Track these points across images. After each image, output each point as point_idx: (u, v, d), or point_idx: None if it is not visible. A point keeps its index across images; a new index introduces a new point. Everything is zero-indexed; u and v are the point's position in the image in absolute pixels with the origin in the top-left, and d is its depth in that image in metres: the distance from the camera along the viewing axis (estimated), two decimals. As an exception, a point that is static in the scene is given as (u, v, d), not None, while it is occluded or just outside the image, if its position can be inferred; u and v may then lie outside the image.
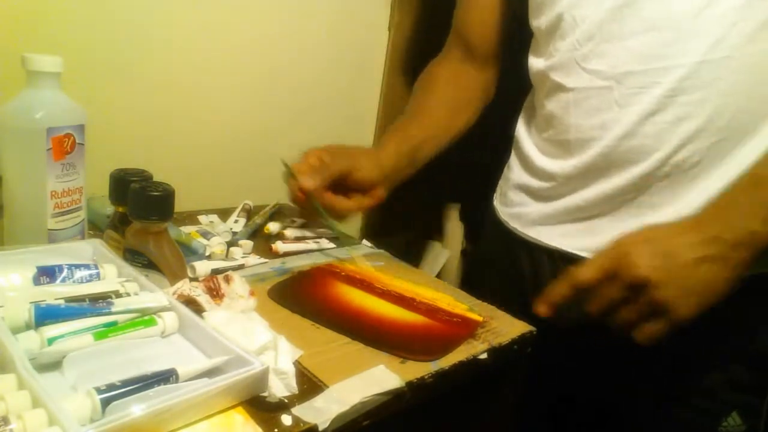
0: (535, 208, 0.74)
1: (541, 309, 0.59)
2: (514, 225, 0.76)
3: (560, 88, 0.67)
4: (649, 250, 0.54)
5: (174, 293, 0.54)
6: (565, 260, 0.70)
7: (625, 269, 0.54)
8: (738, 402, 0.65)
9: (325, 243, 0.81)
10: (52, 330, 0.44)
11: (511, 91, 0.83)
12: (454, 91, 0.85)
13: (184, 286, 0.55)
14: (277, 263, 0.73)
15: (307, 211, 0.74)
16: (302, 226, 0.87)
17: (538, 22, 0.70)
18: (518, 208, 0.76)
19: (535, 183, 0.74)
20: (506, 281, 0.78)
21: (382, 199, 0.76)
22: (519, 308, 0.66)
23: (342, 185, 0.73)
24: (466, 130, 0.86)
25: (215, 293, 0.56)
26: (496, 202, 0.83)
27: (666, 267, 0.53)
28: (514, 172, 0.78)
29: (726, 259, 0.52)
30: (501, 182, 0.83)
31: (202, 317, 0.51)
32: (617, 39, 0.61)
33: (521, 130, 0.78)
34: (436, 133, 0.83)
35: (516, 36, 0.78)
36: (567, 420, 0.79)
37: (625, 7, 0.60)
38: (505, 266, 0.79)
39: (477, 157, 1.00)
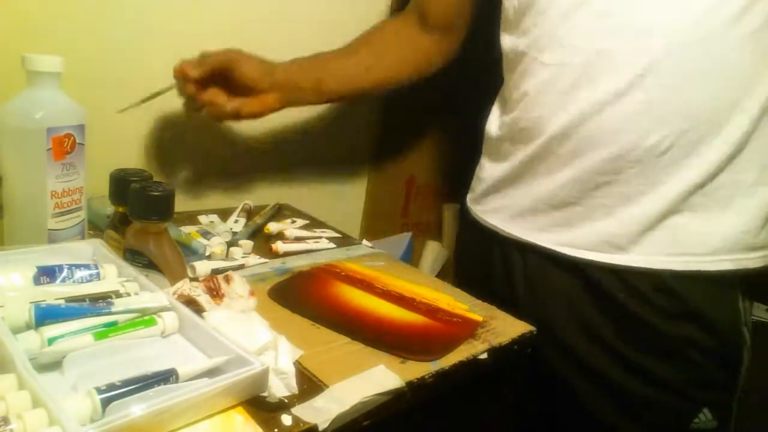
0: (508, 201, 0.73)
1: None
2: (490, 221, 0.76)
3: (537, 64, 0.66)
4: None
5: (174, 293, 0.54)
6: (535, 255, 0.70)
7: None
8: (707, 399, 0.65)
9: (325, 243, 0.81)
10: (52, 330, 0.44)
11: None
12: (394, 46, 0.85)
13: (184, 286, 0.55)
14: (277, 263, 0.73)
15: (188, 100, 0.76)
16: (302, 227, 0.87)
17: (514, 1, 0.69)
18: (491, 204, 0.76)
19: (502, 171, 0.73)
20: (482, 282, 0.77)
21: (270, 107, 0.77)
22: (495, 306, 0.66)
23: (230, 86, 0.75)
24: (387, 88, 0.87)
25: (215, 293, 0.56)
26: (469, 202, 0.82)
27: None
28: (485, 168, 0.78)
29: None
30: (473, 181, 0.83)
31: (202, 317, 0.51)
32: (597, 15, 0.60)
33: (492, 121, 0.77)
34: (350, 75, 0.83)
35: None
36: (566, 420, 0.79)
37: None
38: (479, 267, 0.79)
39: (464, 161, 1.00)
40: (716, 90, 0.58)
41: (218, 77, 0.75)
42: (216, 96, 0.75)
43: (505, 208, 0.74)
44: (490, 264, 0.77)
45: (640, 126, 0.60)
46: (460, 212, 1.26)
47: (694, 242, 0.62)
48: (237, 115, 0.76)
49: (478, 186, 0.80)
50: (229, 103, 0.75)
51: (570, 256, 0.67)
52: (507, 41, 0.72)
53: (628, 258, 0.64)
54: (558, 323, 0.69)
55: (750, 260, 0.62)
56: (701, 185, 0.61)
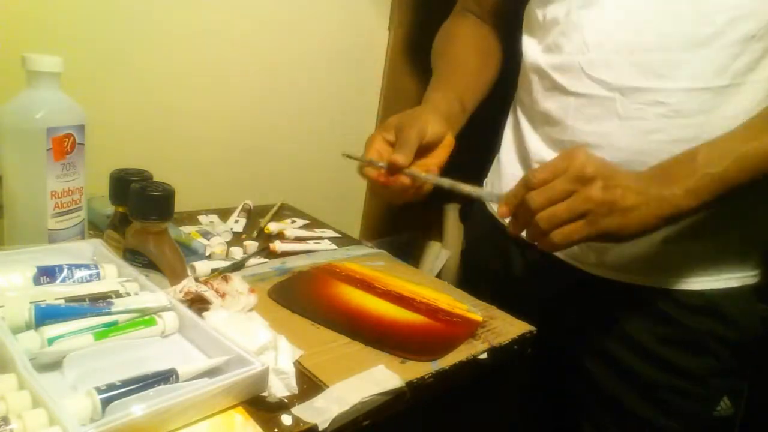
0: None
1: (501, 210, 0.59)
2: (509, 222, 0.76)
3: (561, 89, 0.66)
4: (602, 161, 0.56)
5: (181, 290, 0.54)
6: (559, 262, 0.70)
7: (578, 165, 0.55)
8: (727, 387, 0.67)
9: (325, 243, 0.81)
10: (52, 330, 0.45)
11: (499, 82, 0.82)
12: (479, 45, 0.82)
13: (190, 284, 0.55)
14: (277, 263, 0.73)
15: (395, 191, 0.66)
16: (302, 227, 0.87)
17: (544, 10, 0.68)
18: None
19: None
20: (499, 282, 0.77)
21: (452, 145, 0.71)
22: (513, 309, 0.66)
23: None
24: (493, 82, 0.82)
25: (216, 292, 0.56)
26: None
27: (612, 178, 0.55)
28: (508, 164, 0.77)
29: (651, 206, 0.55)
30: (491, 175, 0.82)
31: (202, 317, 0.51)
32: (627, 52, 0.60)
33: (520, 119, 0.76)
34: (474, 81, 0.80)
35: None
36: (566, 418, 0.79)
37: (642, 22, 0.59)
38: (496, 266, 0.79)
39: (474, 154, 1.00)
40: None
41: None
42: (419, 170, 0.66)
43: None
44: (509, 264, 0.76)
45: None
46: (464, 207, 1.26)
47: (695, 267, 0.64)
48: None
49: (497, 182, 0.79)
50: (433, 170, 0.67)
51: (590, 273, 0.68)
52: (530, 46, 0.72)
53: (643, 279, 0.66)
54: (584, 320, 0.70)
55: (735, 279, 0.65)
56: (711, 217, 0.62)
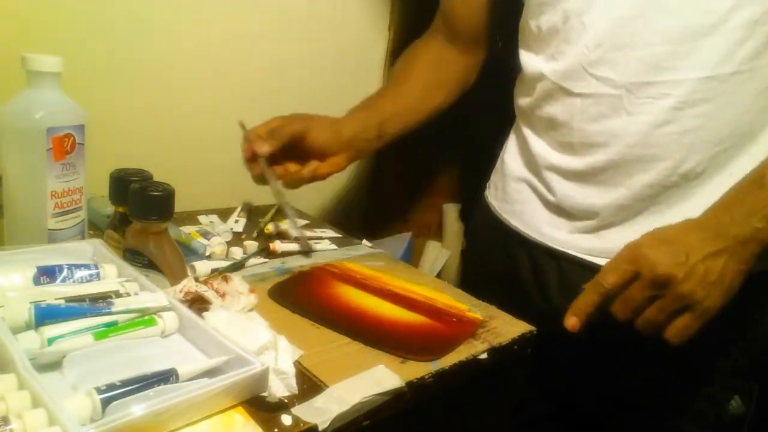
0: (539, 206, 0.72)
1: (571, 322, 0.59)
2: (515, 223, 0.75)
3: (564, 92, 0.66)
4: (666, 249, 0.55)
5: (181, 290, 0.54)
6: (568, 260, 0.70)
7: (648, 269, 0.55)
8: (738, 386, 0.67)
9: (326, 243, 0.81)
10: (52, 330, 0.45)
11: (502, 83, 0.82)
12: (432, 72, 0.84)
13: (190, 284, 0.55)
14: (277, 263, 0.73)
15: (258, 176, 0.73)
16: (302, 227, 0.87)
17: (538, 21, 0.68)
18: (519, 206, 0.75)
19: (537, 178, 0.73)
20: (503, 282, 0.76)
21: (340, 167, 0.76)
22: (519, 310, 0.66)
23: (298, 152, 0.73)
24: (439, 112, 0.85)
25: (216, 292, 0.56)
26: (491, 198, 0.81)
27: (686, 262, 0.54)
28: (512, 165, 0.77)
29: (735, 253, 0.55)
30: (495, 176, 0.82)
31: (202, 317, 0.51)
32: (629, 48, 0.60)
33: (521, 125, 0.76)
34: (406, 110, 0.82)
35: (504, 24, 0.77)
36: (568, 418, 0.79)
37: (639, 17, 0.59)
38: (501, 267, 0.78)
39: (474, 155, 1.00)
40: (745, 114, 0.59)
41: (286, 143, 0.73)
42: (288, 167, 0.74)
43: (537, 214, 0.73)
44: (515, 265, 0.76)
45: (677, 153, 0.60)
46: (465, 207, 1.26)
47: None
48: (310, 180, 0.75)
49: (501, 179, 0.79)
50: (303, 172, 0.74)
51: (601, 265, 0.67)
52: (529, 59, 0.71)
53: None
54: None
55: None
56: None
